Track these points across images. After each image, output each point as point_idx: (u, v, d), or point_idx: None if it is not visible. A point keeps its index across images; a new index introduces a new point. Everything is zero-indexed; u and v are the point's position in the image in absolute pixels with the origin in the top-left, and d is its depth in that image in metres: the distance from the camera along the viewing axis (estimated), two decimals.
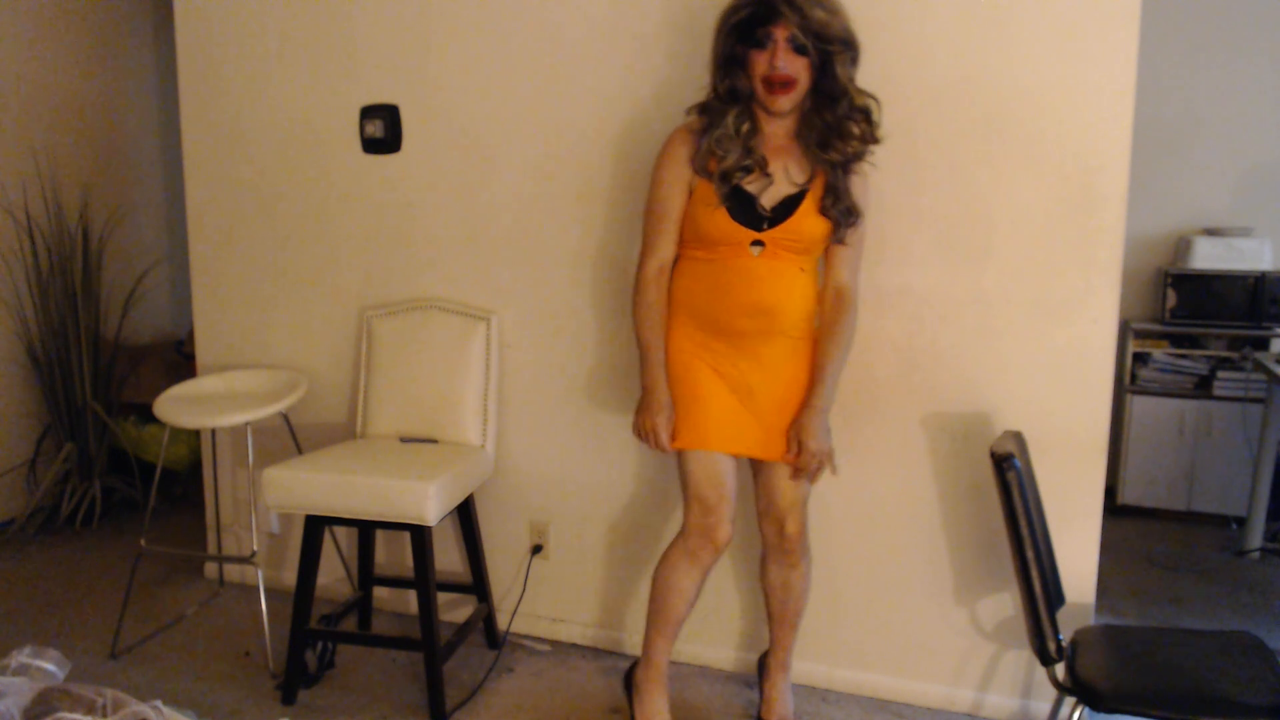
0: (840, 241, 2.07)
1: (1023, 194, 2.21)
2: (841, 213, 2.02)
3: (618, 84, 2.48)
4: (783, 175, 2.02)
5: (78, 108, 3.95)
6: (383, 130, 2.76)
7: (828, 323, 2.12)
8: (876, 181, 2.31)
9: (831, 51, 1.92)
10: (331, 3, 2.79)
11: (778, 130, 2.04)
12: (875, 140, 2.04)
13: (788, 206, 2.00)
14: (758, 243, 2.00)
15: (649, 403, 2.09)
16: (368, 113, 2.78)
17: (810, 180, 2.02)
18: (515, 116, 2.62)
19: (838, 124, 1.99)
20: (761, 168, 2.00)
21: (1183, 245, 3.92)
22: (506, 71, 2.61)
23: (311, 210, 2.90)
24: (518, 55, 2.59)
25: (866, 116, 2.01)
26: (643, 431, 2.10)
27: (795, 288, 2.05)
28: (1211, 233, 3.90)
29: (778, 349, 2.07)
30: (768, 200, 2.00)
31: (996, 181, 2.23)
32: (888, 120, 2.26)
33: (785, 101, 1.95)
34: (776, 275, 2.02)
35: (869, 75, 2.27)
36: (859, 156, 2.03)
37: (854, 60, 1.97)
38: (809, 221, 2.01)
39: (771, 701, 2.30)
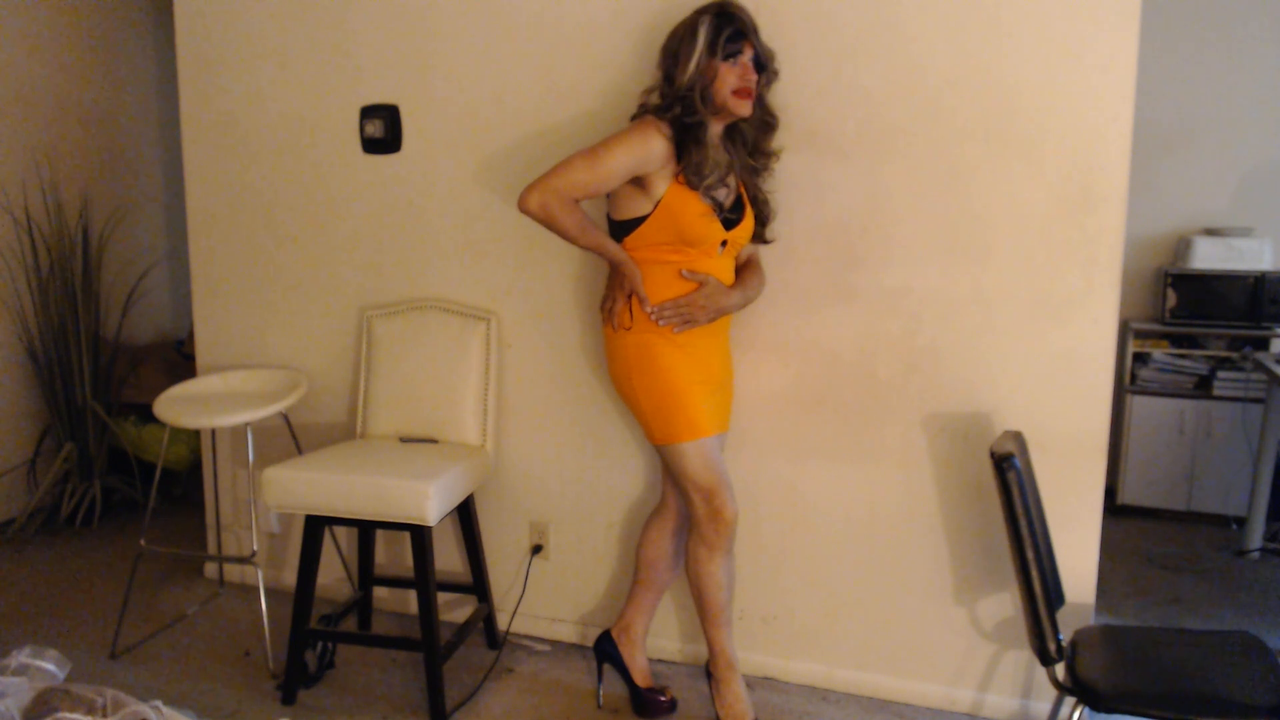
0: (763, 240, 2.31)
1: (1023, 194, 2.21)
2: (766, 213, 2.27)
3: (619, 82, 2.48)
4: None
5: (78, 108, 3.95)
6: (383, 130, 2.76)
7: (747, 265, 2.34)
8: (876, 182, 2.31)
9: (770, 73, 2.17)
10: (331, 3, 2.79)
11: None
12: (776, 154, 2.29)
13: (738, 209, 2.19)
14: (723, 243, 2.17)
15: (629, 271, 2.15)
16: (368, 113, 2.78)
17: (738, 186, 2.23)
18: (515, 116, 2.62)
19: (761, 138, 2.23)
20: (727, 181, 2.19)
21: (1183, 245, 3.92)
22: (507, 71, 2.61)
23: (311, 210, 2.90)
24: (518, 55, 2.59)
25: (773, 131, 2.25)
26: (618, 295, 2.17)
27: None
28: (1211, 233, 3.89)
29: (727, 333, 2.34)
30: (727, 204, 2.17)
31: (996, 181, 2.23)
32: (890, 119, 2.28)
33: (751, 107, 2.12)
34: (731, 273, 2.24)
35: (870, 76, 2.28)
36: (767, 167, 2.28)
37: (769, 84, 2.20)
38: (750, 221, 2.22)
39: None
